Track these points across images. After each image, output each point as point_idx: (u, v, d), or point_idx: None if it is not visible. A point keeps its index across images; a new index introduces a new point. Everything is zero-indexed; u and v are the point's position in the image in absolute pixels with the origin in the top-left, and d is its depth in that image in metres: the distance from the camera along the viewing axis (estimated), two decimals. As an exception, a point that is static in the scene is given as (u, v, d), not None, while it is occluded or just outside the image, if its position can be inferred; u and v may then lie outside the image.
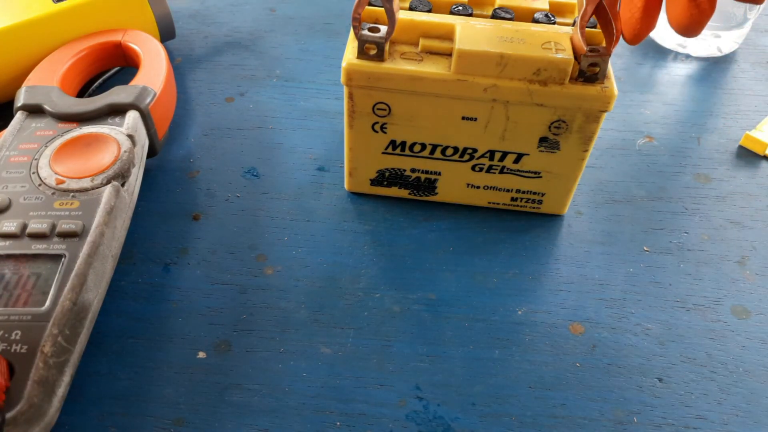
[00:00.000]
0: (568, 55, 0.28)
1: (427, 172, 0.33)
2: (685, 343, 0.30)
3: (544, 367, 0.29)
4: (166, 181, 0.36)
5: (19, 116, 0.33)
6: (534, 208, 0.34)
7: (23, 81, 0.35)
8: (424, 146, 0.32)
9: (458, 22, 0.29)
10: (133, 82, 0.35)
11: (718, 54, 0.46)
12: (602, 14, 0.28)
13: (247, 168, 0.37)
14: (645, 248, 0.34)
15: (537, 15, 0.30)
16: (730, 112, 0.42)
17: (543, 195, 0.33)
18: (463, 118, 0.30)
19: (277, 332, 0.29)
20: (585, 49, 0.27)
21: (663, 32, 0.47)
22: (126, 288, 0.31)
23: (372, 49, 0.29)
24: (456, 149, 0.32)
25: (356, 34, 0.28)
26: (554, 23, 0.30)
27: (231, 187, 0.36)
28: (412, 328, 0.30)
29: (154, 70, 0.36)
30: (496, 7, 0.31)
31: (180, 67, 0.44)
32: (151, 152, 0.35)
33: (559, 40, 0.28)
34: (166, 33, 0.42)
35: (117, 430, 0.26)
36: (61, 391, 0.25)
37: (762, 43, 0.48)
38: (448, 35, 0.29)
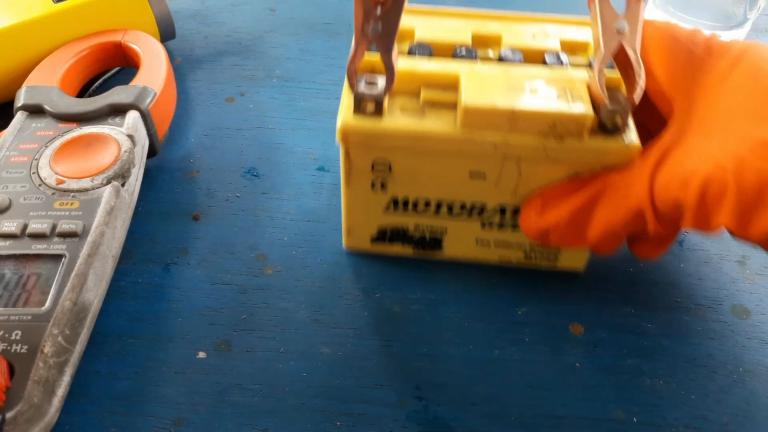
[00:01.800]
0: (586, 107, 0.25)
1: (432, 229, 0.30)
2: (685, 343, 0.30)
3: (544, 367, 0.29)
4: (166, 181, 0.36)
5: (19, 116, 0.33)
6: (550, 264, 0.31)
7: (23, 81, 0.35)
8: (428, 203, 0.29)
9: (463, 70, 0.27)
10: (134, 82, 0.35)
11: (719, 54, 0.46)
12: (622, 58, 0.25)
13: (247, 168, 0.37)
14: (645, 248, 0.34)
15: (547, 57, 0.28)
16: (731, 111, 0.42)
17: (559, 250, 0.31)
18: (470, 174, 0.27)
19: (277, 332, 0.29)
20: (605, 100, 0.25)
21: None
22: (126, 288, 0.31)
23: (370, 105, 0.26)
24: (463, 206, 0.29)
25: (352, 89, 0.26)
26: (567, 66, 0.28)
27: (231, 187, 0.36)
28: (412, 328, 0.30)
29: (154, 70, 0.36)
30: (502, 47, 0.29)
31: (180, 67, 0.44)
32: (151, 152, 0.35)
33: (576, 89, 0.26)
34: (166, 33, 0.42)
35: (117, 430, 0.26)
36: (61, 391, 0.25)
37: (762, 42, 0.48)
38: (452, 85, 0.27)
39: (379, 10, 0.25)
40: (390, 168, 0.28)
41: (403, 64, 0.27)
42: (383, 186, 0.29)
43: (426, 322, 0.30)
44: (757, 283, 0.32)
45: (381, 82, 0.26)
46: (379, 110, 0.26)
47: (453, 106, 0.27)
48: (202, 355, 0.29)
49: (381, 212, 0.30)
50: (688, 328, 0.30)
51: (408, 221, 0.30)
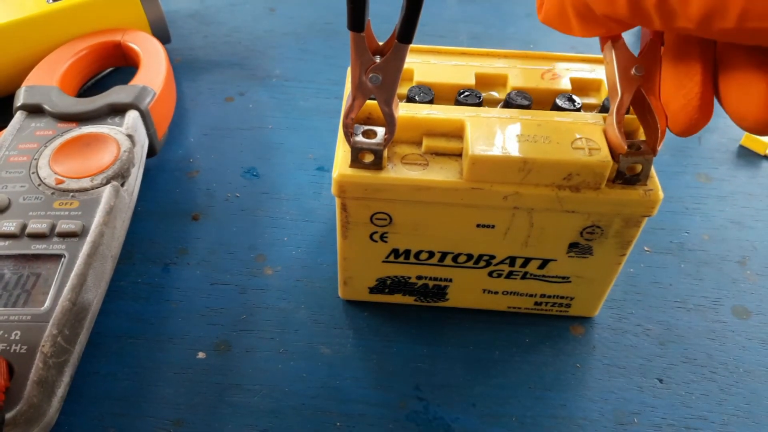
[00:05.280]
0: (604, 156, 0.23)
1: (436, 279, 0.29)
2: (686, 344, 0.30)
3: (544, 367, 0.29)
4: (165, 181, 0.36)
5: (18, 116, 0.33)
6: (561, 311, 0.30)
7: (16, 80, 0.35)
8: (432, 254, 0.27)
9: (468, 117, 0.25)
10: (133, 82, 0.35)
11: (719, 53, 0.46)
12: (641, 104, 0.23)
13: (247, 168, 0.37)
14: (645, 248, 0.34)
15: (559, 100, 0.26)
16: (731, 111, 0.42)
17: (572, 299, 0.29)
18: (478, 225, 0.26)
19: (276, 332, 0.29)
20: (625, 148, 0.23)
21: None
22: (125, 288, 0.31)
23: (368, 156, 0.24)
24: (470, 256, 0.27)
25: (348, 140, 0.24)
26: (580, 109, 0.26)
27: (230, 187, 0.36)
28: (412, 328, 0.30)
29: (153, 70, 0.36)
30: (509, 90, 0.27)
31: (179, 66, 0.44)
32: (151, 152, 0.35)
33: (591, 135, 0.24)
34: (161, 37, 0.41)
35: (116, 430, 0.26)
36: (61, 391, 0.25)
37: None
38: (456, 132, 0.25)
39: (378, 59, 0.23)
40: (391, 220, 0.26)
41: (403, 110, 0.25)
42: (384, 238, 0.27)
43: (426, 322, 0.30)
44: (758, 284, 0.32)
45: (380, 132, 0.24)
46: (378, 162, 0.24)
47: (458, 155, 0.25)
48: (201, 355, 0.29)
49: (380, 263, 0.28)
50: (688, 329, 0.30)
51: (410, 271, 0.28)
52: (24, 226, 0.28)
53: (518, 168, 0.24)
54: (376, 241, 0.27)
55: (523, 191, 0.24)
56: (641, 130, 0.26)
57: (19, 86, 0.35)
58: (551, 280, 0.28)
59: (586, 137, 0.24)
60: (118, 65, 0.40)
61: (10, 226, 0.28)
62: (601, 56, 0.29)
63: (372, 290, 0.30)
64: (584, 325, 0.30)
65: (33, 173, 0.30)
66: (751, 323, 0.31)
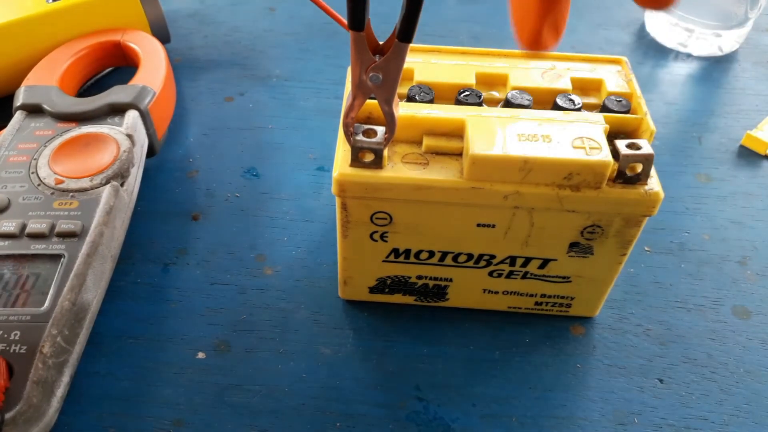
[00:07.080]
0: (604, 155, 0.23)
1: (436, 278, 0.29)
2: (686, 344, 0.30)
3: (544, 368, 0.29)
4: (165, 181, 0.36)
5: (18, 116, 0.33)
6: (561, 311, 0.30)
7: (16, 79, 0.35)
8: (432, 253, 0.27)
9: (468, 116, 0.25)
10: (133, 82, 0.35)
11: (719, 53, 0.46)
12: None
13: (247, 168, 0.37)
14: (646, 248, 0.33)
15: (559, 100, 0.26)
16: (732, 111, 0.42)
17: (572, 299, 0.29)
18: (478, 225, 0.26)
19: (276, 333, 0.29)
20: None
21: (664, 31, 0.47)
22: (125, 288, 0.31)
23: (368, 155, 0.24)
24: (470, 256, 0.27)
25: (348, 140, 0.24)
26: (580, 108, 0.26)
27: (230, 187, 0.36)
28: (412, 328, 0.30)
29: (153, 70, 0.36)
30: (509, 90, 0.27)
31: (179, 66, 0.44)
32: (151, 152, 0.35)
33: (592, 135, 0.24)
34: (160, 37, 0.41)
35: (116, 430, 0.26)
36: (60, 391, 0.25)
37: (763, 42, 0.48)
38: (456, 132, 0.25)
39: (378, 58, 0.23)
40: (391, 220, 0.26)
41: (403, 110, 0.25)
42: (384, 237, 0.27)
43: (426, 322, 0.30)
44: (758, 284, 0.32)
45: (380, 131, 0.24)
46: (378, 161, 0.24)
47: (458, 154, 0.25)
48: (201, 355, 0.28)
49: (380, 262, 0.28)
50: (688, 329, 0.30)
51: (410, 271, 0.28)
52: (23, 226, 0.28)
53: (519, 167, 0.24)
54: (376, 241, 0.27)
55: (523, 190, 0.24)
56: (641, 129, 0.26)
57: (18, 86, 0.35)
58: (551, 280, 0.28)
59: (587, 137, 0.24)
60: (117, 65, 0.40)
61: (9, 226, 0.28)
62: (601, 56, 0.29)
63: (372, 290, 0.30)
64: (585, 325, 0.30)
65: (32, 173, 0.30)
66: (752, 323, 0.30)
